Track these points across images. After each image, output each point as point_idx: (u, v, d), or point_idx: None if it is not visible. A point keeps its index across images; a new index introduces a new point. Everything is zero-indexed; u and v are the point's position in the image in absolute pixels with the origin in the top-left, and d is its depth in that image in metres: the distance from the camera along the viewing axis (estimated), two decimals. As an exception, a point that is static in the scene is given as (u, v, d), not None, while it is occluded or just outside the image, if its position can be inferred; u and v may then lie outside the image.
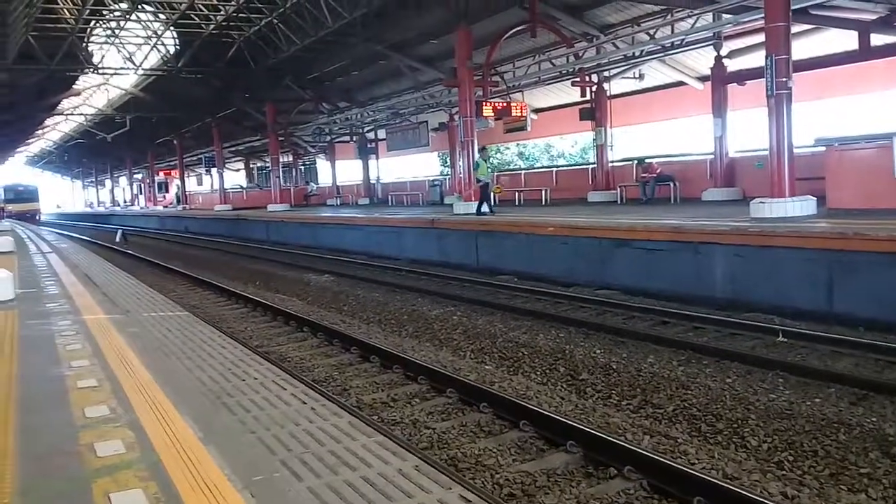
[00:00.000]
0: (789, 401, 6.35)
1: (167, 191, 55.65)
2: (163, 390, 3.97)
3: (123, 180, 68.63)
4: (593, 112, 21.73)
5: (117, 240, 31.13)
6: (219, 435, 3.27)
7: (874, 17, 14.34)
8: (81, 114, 43.55)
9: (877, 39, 14.83)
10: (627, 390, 6.92)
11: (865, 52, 14.99)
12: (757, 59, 15.49)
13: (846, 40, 15.93)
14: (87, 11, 24.20)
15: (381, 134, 34.05)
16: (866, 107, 20.34)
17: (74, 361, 4.65)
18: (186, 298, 13.68)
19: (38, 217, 54.23)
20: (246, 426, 3.63)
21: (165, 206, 48.34)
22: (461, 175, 20.29)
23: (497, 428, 5.95)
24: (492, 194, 19.43)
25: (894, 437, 5.44)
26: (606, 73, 21.34)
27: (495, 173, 18.08)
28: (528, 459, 5.29)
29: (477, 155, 18.53)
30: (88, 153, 61.40)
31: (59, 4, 24.73)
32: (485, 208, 18.01)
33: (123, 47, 29.22)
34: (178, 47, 28.81)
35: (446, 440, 5.71)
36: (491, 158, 18.39)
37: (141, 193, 61.95)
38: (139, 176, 62.75)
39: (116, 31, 27.63)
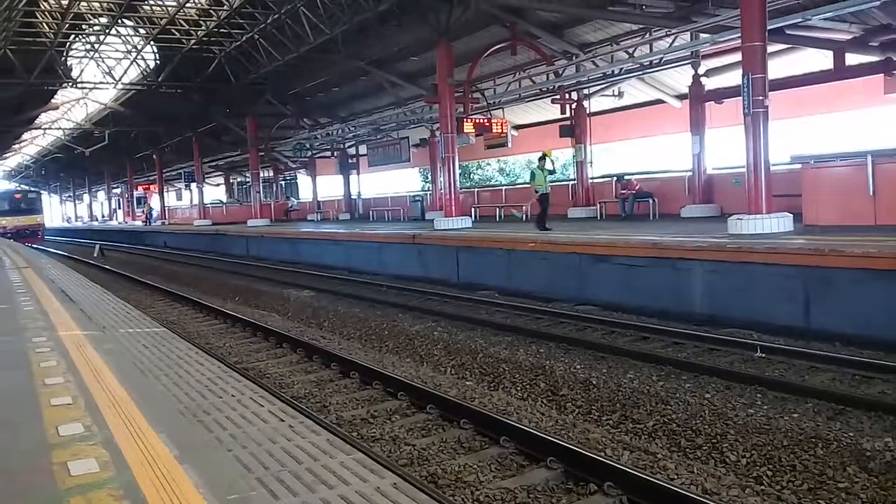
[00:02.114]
0: (767, 416, 6.38)
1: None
2: (138, 408, 3.92)
3: (102, 195, 67.96)
4: (573, 129, 21.91)
5: (95, 255, 30.82)
6: (195, 453, 3.23)
7: (849, 37, 14.59)
8: (60, 128, 43.19)
9: (851, 59, 15.11)
10: (607, 406, 6.93)
11: (841, 72, 15.27)
12: (734, 78, 15.69)
13: (822, 60, 16.21)
14: (67, 26, 24.08)
15: (363, 149, 34.05)
16: (842, 125, 20.67)
17: (48, 378, 4.58)
18: (164, 314, 13.55)
19: (40, 234, 41.95)
20: (222, 444, 3.59)
21: (144, 222, 47.58)
22: (442, 190, 20.30)
23: (477, 444, 5.93)
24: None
25: (871, 451, 5.48)
26: (586, 91, 21.55)
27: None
28: (508, 475, 5.27)
29: (534, 164, 16.90)
30: (66, 168, 60.80)
31: (37, 18, 24.59)
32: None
33: (103, 62, 29.09)
34: (158, 62, 28.72)
35: (426, 456, 5.68)
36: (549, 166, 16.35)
37: (119, 208, 61.28)
38: (118, 190, 62.18)
39: (96, 46, 27.48)
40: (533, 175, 16.65)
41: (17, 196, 42.76)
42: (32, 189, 45.27)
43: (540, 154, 16.63)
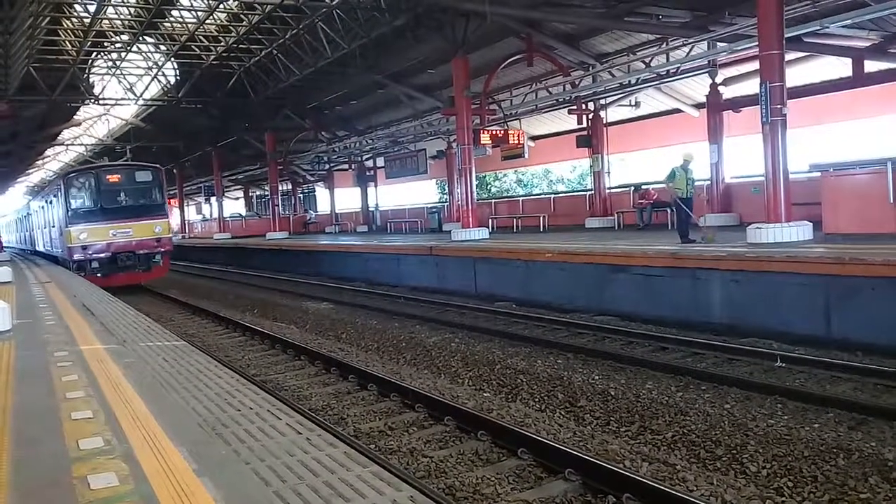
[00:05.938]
0: (788, 426, 6.32)
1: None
2: (158, 421, 3.95)
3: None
4: (590, 139, 21.89)
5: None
6: (213, 466, 3.25)
7: (868, 44, 14.46)
8: (82, 144, 43.72)
9: (870, 66, 14.98)
10: (626, 417, 6.89)
11: (859, 79, 15.14)
12: (752, 87, 15.61)
13: (840, 67, 16.09)
14: (89, 43, 24.44)
15: (380, 162, 34.21)
16: (861, 132, 20.46)
17: (69, 392, 4.63)
18: (184, 328, 13.66)
19: (162, 259, 21.24)
20: (241, 457, 3.62)
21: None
22: (459, 202, 20.33)
23: (495, 456, 5.92)
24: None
25: (893, 461, 5.41)
26: (603, 101, 21.54)
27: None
28: (526, 488, 5.26)
29: (680, 162, 13.86)
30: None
31: (60, 36, 24.98)
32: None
33: (124, 78, 29.46)
34: (178, 78, 29.05)
35: (444, 469, 5.67)
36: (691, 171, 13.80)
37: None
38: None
39: (117, 63, 27.87)
40: (673, 174, 13.77)
41: (114, 178, 20.78)
42: (146, 165, 22.44)
43: (687, 154, 14.08)
